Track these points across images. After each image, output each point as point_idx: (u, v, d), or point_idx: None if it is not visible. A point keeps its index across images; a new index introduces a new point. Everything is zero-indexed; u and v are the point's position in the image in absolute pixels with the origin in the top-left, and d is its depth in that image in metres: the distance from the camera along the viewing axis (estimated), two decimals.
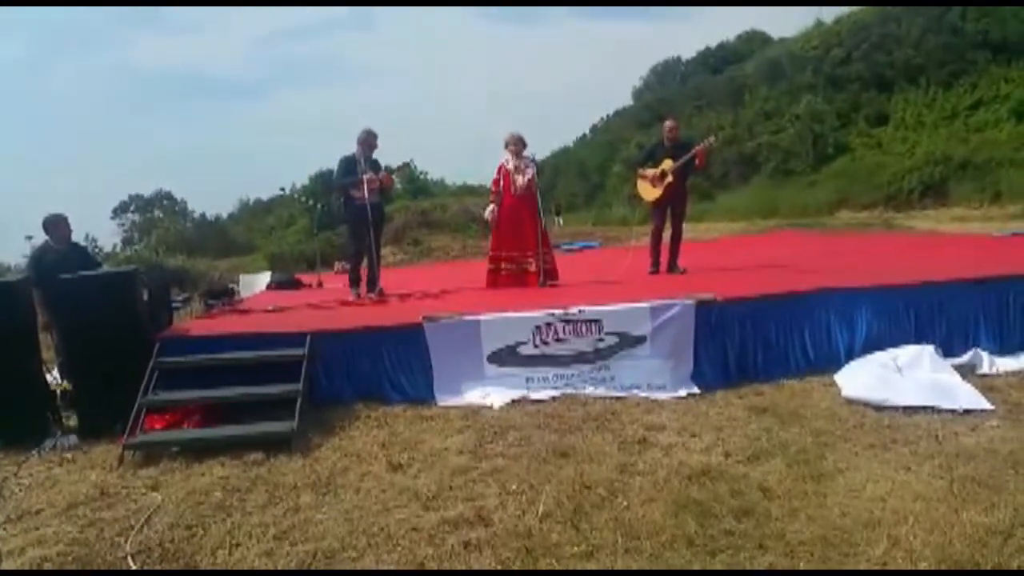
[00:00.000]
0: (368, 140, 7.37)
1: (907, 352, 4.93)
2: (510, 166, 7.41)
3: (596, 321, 5.13)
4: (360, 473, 3.94)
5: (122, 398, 4.78)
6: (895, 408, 4.32)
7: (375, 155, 7.42)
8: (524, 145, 7.47)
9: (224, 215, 49.44)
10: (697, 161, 7.45)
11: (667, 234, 7.87)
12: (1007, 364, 5.07)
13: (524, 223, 7.40)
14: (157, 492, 3.89)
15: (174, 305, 8.10)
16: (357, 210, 7.26)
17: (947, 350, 5.08)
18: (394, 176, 7.75)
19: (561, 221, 32.46)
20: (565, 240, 18.26)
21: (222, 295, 8.64)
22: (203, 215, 46.92)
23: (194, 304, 9.57)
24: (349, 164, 7.33)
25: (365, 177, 7.14)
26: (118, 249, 31.11)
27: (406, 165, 8.08)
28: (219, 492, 3.81)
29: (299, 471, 4.03)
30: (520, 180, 7.33)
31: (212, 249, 28.21)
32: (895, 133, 33.40)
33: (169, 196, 52.44)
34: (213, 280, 15.78)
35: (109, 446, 4.66)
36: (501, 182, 7.44)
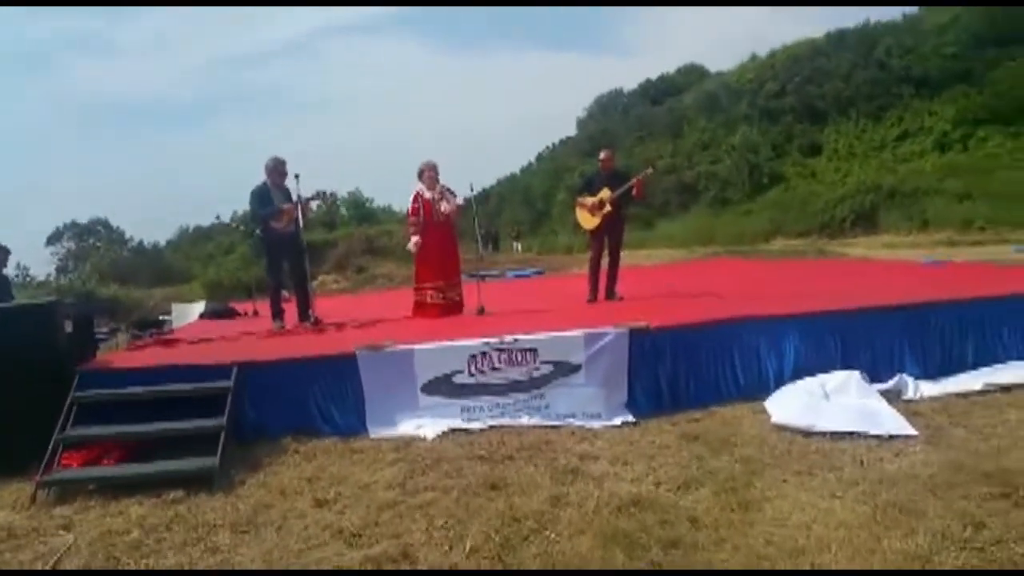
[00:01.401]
0: (276, 168, 7.25)
1: (834, 378, 5.01)
2: (427, 195, 7.35)
3: (531, 350, 5.10)
4: (283, 510, 3.80)
5: (38, 434, 4.55)
6: (823, 433, 4.38)
7: (290, 181, 7.26)
8: (438, 173, 7.44)
9: (162, 242, 48.19)
10: (635, 191, 7.57)
11: (605, 261, 7.94)
12: (930, 389, 5.19)
13: (448, 252, 7.41)
14: (70, 532, 3.71)
15: (99, 337, 7.79)
16: (272, 241, 7.13)
17: (873, 376, 5.18)
18: (312, 204, 7.62)
19: (520, 247, 32.62)
20: (510, 267, 18.31)
21: (151, 326, 8.36)
22: (140, 243, 45.61)
23: (121, 335, 9.22)
24: (263, 194, 7.20)
25: (285, 207, 7.03)
26: (51, 278, 29.94)
27: (325, 194, 7.93)
28: (136, 531, 3.64)
29: (220, 509, 3.88)
30: (445, 207, 7.30)
31: (148, 277, 27.44)
32: (828, 163, 34.77)
33: (106, 224, 50.81)
34: (145, 310, 15.33)
35: (22, 484, 4.43)
36: (420, 210, 7.35)
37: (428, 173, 7.38)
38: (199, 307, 11.18)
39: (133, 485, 4.25)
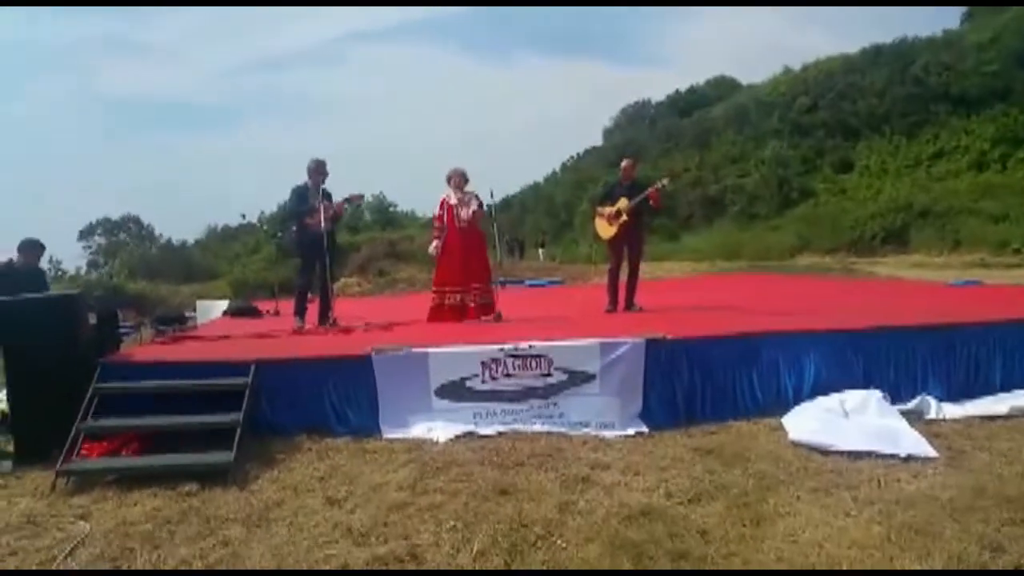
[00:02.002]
0: (319, 169, 7.39)
1: (854, 397, 4.93)
2: (452, 200, 7.42)
3: (546, 357, 5.08)
4: (295, 507, 3.83)
5: (61, 423, 4.63)
6: (840, 452, 4.31)
7: (326, 184, 7.42)
8: (466, 180, 7.51)
9: (191, 241, 48.81)
10: (652, 202, 7.54)
11: (625, 272, 7.91)
12: (953, 411, 5.09)
13: (468, 258, 7.41)
14: (86, 521, 3.75)
15: (123, 331, 7.91)
16: (311, 238, 7.22)
17: (895, 396, 5.10)
18: (345, 206, 7.76)
19: (544, 255, 32.61)
20: (529, 276, 18.30)
21: (174, 321, 8.47)
22: (169, 240, 46.28)
23: (144, 330, 9.36)
24: (302, 193, 7.37)
25: (321, 205, 7.13)
26: (83, 272, 30.53)
27: (359, 196, 8.07)
28: (149, 523, 3.68)
29: (233, 503, 3.91)
30: (464, 213, 7.34)
31: (176, 274, 27.81)
32: (859, 180, 34.30)
33: (136, 220, 51.79)
34: (173, 306, 15.54)
35: (43, 473, 4.50)
36: (444, 216, 7.44)
37: (455, 179, 7.47)
38: (223, 304, 11.30)
39: (150, 477, 4.30)
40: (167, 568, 3.21)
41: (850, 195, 32.77)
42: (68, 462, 4.43)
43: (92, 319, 5.90)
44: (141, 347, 6.91)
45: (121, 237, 50.66)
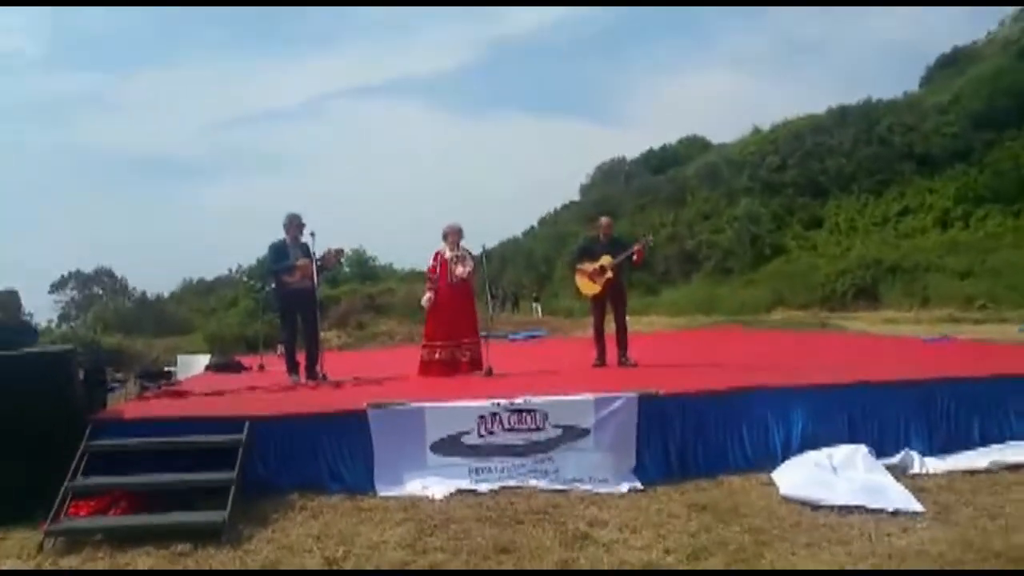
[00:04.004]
0: (294, 223, 7.45)
1: (841, 452, 5.03)
2: (447, 255, 7.56)
3: (541, 412, 5.14)
4: (292, 567, 3.80)
5: (46, 483, 4.54)
6: (830, 507, 4.39)
7: (304, 238, 7.45)
8: (462, 237, 7.68)
9: (165, 294, 48.25)
10: (635, 258, 7.72)
11: (612, 326, 8.03)
12: (936, 465, 5.21)
13: (458, 312, 7.52)
14: None
15: (110, 386, 7.82)
16: (287, 295, 7.28)
17: (879, 450, 5.21)
18: (338, 260, 7.83)
19: (540, 309, 32.70)
20: (512, 329, 18.38)
21: (158, 377, 8.39)
22: (144, 293, 45.71)
23: (129, 385, 9.25)
24: (279, 249, 7.42)
25: (300, 263, 7.19)
26: (54, 325, 29.99)
27: (340, 251, 8.13)
28: None
29: (228, 564, 3.87)
30: (460, 270, 7.48)
31: (150, 328, 27.45)
32: (829, 236, 35.17)
33: (109, 273, 51.05)
34: (149, 361, 15.34)
35: (28, 533, 4.39)
36: (438, 269, 7.58)
37: (452, 236, 7.63)
38: (204, 359, 11.21)
39: (141, 536, 4.23)
40: None
41: (821, 251, 33.55)
42: (56, 522, 4.33)
43: (80, 375, 5.85)
44: (129, 403, 6.84)
45: (94, 290, 49.90)
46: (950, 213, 31.27)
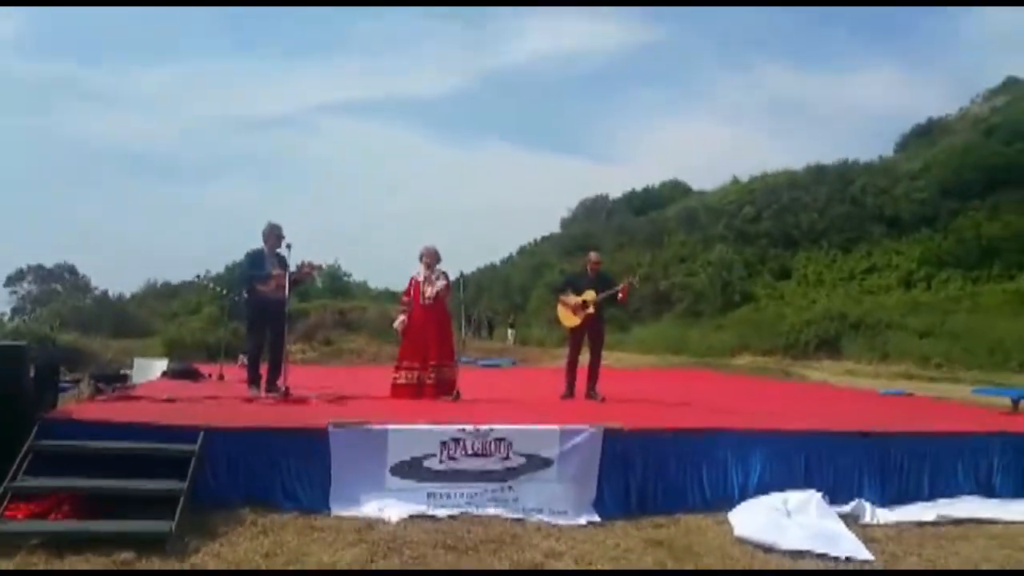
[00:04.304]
0: (273, 233, 7.42)
1: (796, 497, 5.09)
2: (420, 277, 7.56)
3: (506, 440, 5.11)
4: None
5: None
6: (783, 551, 4.43)
7: (281, 249, 7.42)
8: (438, 259, 7.67)
9: (127, 295, 47.23)
10: (620, 295, 7.78)
11: (583, 359, 8.05)
12: (887, 516, 5.31)
13: (430, 335, 7.48)
14: None
15: (62, 386, 7.61)
16: (259, 304, 7.20)
17: (833, 498, 5.27)
18: (314, 273, 7.79)
19: (513, 335, 32.65)
20: (481, 356, 18.32)
21: (113, 379, 8.19)
22: (105, 292, 44.69)
23: (82, 386, 9.00)
24: (256, 258, 7.38)
25: (275, 273, 7.13)
26: (6, 319, 29.16)
27: (318, 266, 8.10)
28: None
29: None
30: (429, 291, 7.46)
31: (109, 328, 26.82)
32: (797, 288, 35.82)
33: (72, 269, 50.09)
34: (104, 361, 14.99)
35: None
36: (411, 292, 7.59)
37: (427, 257, 7.62)
38: (161, 364, 10.96)
39: (82, 542, 4.08)
40: None
41: (788, 301, 34.07)
42: None
43: (31, 372, 5.70)
44: (81, 404, 6.65)
45: (54, 286, 48.81)
46: (913, 274, 32.13)
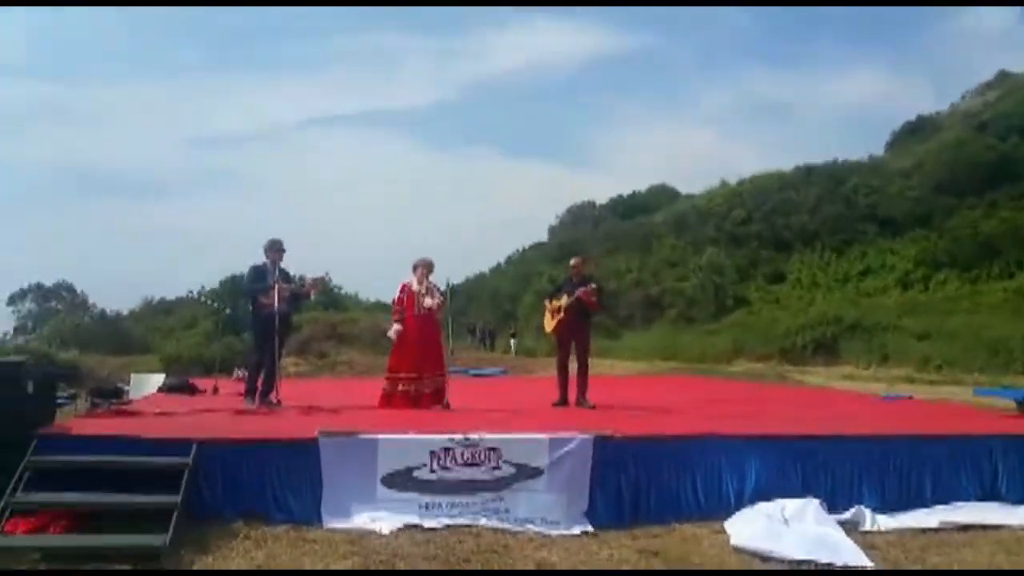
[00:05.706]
0: (274, 247, 7.48)
1: (793, 504, 5.03)
2: (415, 287, 7.54)
3: (495, 449, 5.07)
4: None
5: None
6: (780, 560, 4.39)
7: (283, 263, 7.50)
8: (432, 271, 7.66)
9: (125, 312, 47.16)
10: (584, 301, 7.75)
11: (573, 367, 8.05)
12: (887, 522, 5.21)
13: (425, 345, 7.47)
14: None
15: (59, 402, 7.59)
16: (264, 318, 7.19)
17: (831, 505, 5.21)
18: (312, 292, 7.81)
19: (515, 345, 32.49)
20: (472, 366, 18.30)
21: (110, 394, 8.18)
22: (103, 310, 44.65)
23: (80, 402, 9.00)
24: (260, 271, 7.42)
25: (277, 286, 7.14)
26: (9, 337, 29.16)
27: (320, 280, 8.14)
28: None
29: None
30: (428, 301, 7.46)
31: (107, 346, 26.82)
32: (791, 291, 35.79)
33: (70, 288, 49.94)
34: (100, 377, 14.96)
35: None
36: (404, 301, 7.56)
37: (422, 269, 7.61)
38: (158, 379, 10.96)
39: (79, 557, 4.10)
40: None
41: (782, 305, 34.08)
42: None
43: (29, 388, 5.70)
44: (77, 420, 6.63)
45: (53, 304, 48.69)
46: (910, 275, 32.10)
